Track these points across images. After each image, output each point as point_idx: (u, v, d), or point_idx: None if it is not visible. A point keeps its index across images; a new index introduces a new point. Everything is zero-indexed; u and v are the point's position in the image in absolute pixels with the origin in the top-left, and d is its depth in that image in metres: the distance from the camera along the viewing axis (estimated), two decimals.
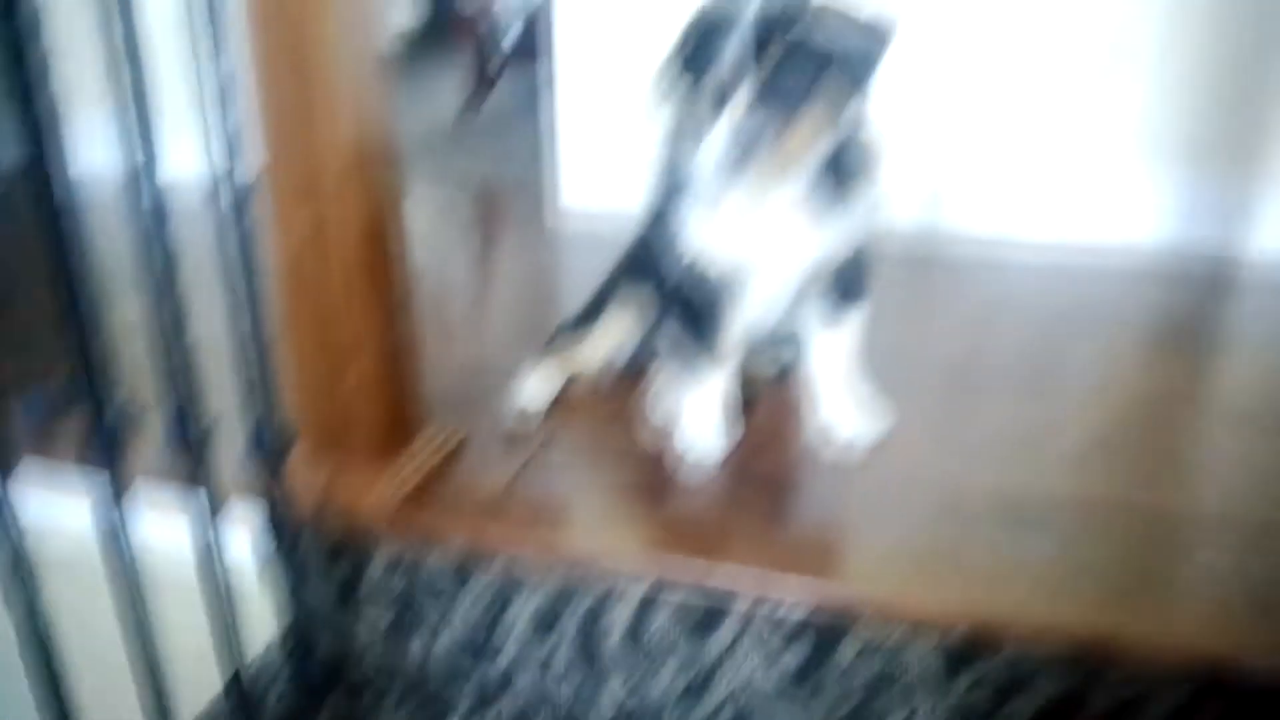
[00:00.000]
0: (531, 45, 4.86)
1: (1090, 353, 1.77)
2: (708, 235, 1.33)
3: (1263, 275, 2.19)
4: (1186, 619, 1.09)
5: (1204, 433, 1.50)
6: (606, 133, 2.62)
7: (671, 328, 1.44)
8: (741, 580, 1.15)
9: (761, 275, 1.37)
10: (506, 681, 1.29)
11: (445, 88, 4.96)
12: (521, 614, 1.25)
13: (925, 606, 1.10)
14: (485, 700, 1.28)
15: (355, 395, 1.23)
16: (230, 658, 1.10)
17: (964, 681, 1.11)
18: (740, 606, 1.16)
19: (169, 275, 0.93)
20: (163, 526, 1.33)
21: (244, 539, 1.31)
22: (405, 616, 1.30)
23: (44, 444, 1.40)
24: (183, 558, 1.10)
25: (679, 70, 1.26)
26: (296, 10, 1.07)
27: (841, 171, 1.30)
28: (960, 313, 2.01)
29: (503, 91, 4.82)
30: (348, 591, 1.31)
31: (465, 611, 1.27)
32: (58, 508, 1.35)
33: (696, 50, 1.23)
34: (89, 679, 0.95)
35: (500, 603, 1.25)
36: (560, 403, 1.54)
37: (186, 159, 1.01)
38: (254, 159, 1.09)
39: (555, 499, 1.30)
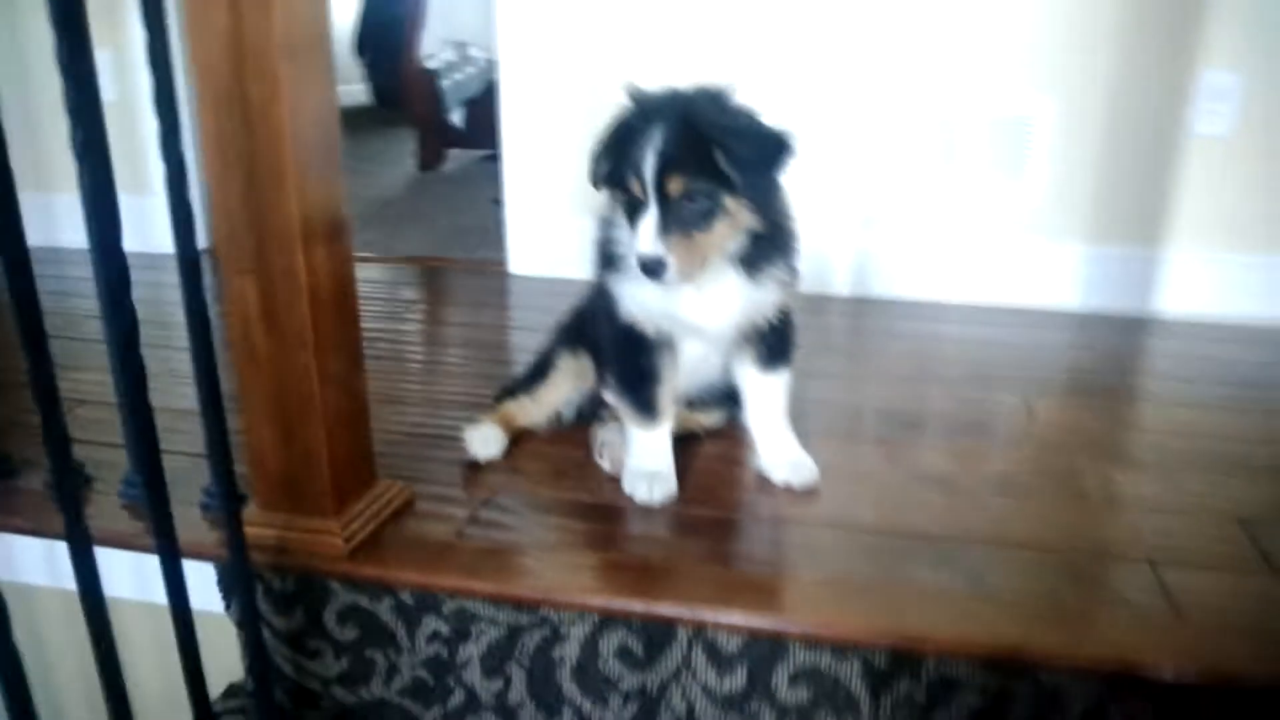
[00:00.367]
0: (475, 127, 5.05)
1: (1008, 403, 1.90)
2: (642, 302, 1.43)
3: (1163, 332, 2.41)
4: (1092, 631, 1.18)
5: (1104, 473, 1.61)
6: (549, 206, 2.76)
7: (614, 384, 1.53)
8: (683, 614, 1.21)
9: (692, 337, 1.47)
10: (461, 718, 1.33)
11: (393, 161, 5.10)
12: (473, 654, 1.30)
13: (851, 631, 1.18)
14: None
15: (306, 455, 1.28)
16: (195, 703, 1.13)
17: (889, 700, 1.19)
18: (682, 638, 1.23)
19: (129, 342, 0.97)
20: (129, 578, 1.37)
21: (207, 589, 1.36)
22: (360, 660, 1.34)
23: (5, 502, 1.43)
24: (149, 607, 1.14)
25: (604, 163, 1.37)
26: (249, 90, 1.14)
27: (759, 252, 1.40)
28: (889, 369, 2.14)
29: (448, 167, 4.96)
30: (304, 637, 1.34)
31: (419, 653, 1.31)
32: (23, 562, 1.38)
33: (614, 152, 1.34)
34: None
35: (452, 644, 1.30)
36: (508, 457, 1.61)
37: (147, 234, 1.08)
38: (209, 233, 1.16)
39: (504, 544, 1.35)
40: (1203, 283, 2.46)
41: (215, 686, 1.24)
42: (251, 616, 1.19)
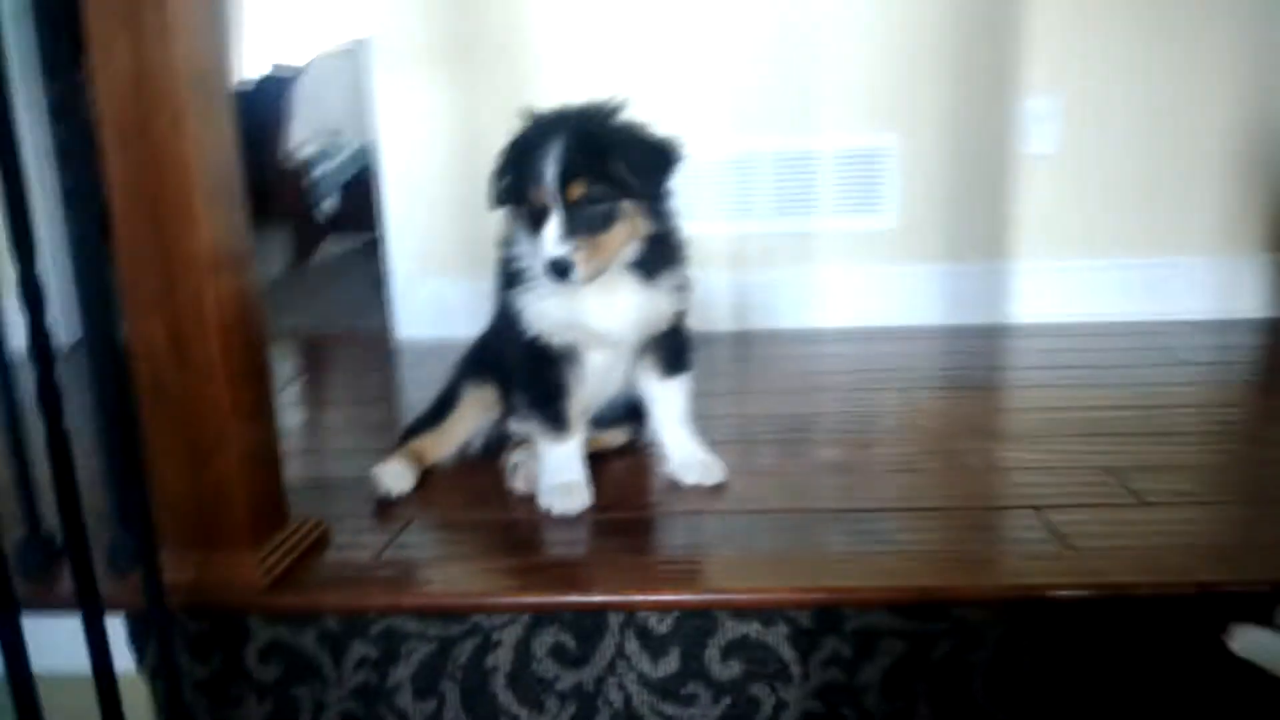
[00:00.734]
0: (349, 213, 5.05)
1: (891, 402, 2.02)
2: (545, 317, 1.49)
3: (1020, 334, 2.62)
4: (995, 568, 1.28)
5: (985, 448, 1.73)
6: (431, 276, 2.83)
7: (524, 400, 1.56)
8: (613, 599, 1.24)
9: (596, 346, 1.53)
10: None
11: (263, 259, 5.02)
12: (404, 676, 1.28)
13: (775, 596, 1.23)
14: None
15: (219, 488, 1.26)
16: None
17: (818, 659, 1.23)
18: (614, 626, 1.25)
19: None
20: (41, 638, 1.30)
21: (119, 640, 1.30)
22: (285, 700, 1.30)
23: None
24: (62, 666, 1.09)
25: (503, 184, 1.44)
26: (152, 122, 1.16)
27: (654, 258, 1.49)
28: (777, 385, 2.24)
29: (323, 256, 4.94)
30: (223, 684, 1.30)
31: (347, 683, 1.29)
32: None
33: (515, 167, 1.42)
34: None
35: (382, 668, 1.28)
36: (419, 491, 1.61)
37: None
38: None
39: (427, 559, 1.36)
40: (1048, 289, 2.68)
41: None
42: (171, 662, 1.15)
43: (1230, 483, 1.54)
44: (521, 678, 1.28)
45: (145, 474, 1.11)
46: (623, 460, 1.72)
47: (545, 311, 1.48)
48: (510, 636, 1.27)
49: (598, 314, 1.48)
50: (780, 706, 1.25)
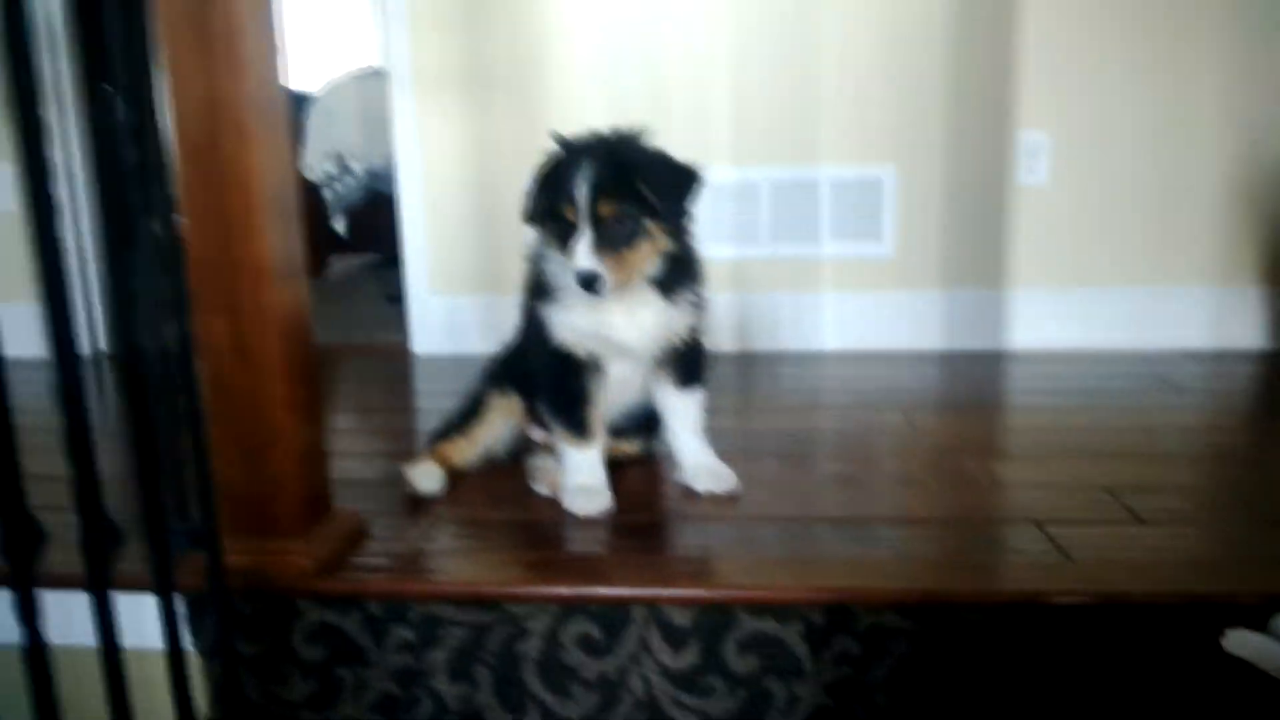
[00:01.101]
0: (357, 234, 5.15)
1: (892, 420, 2.12)
2: (570, 328, 1.58)
3: (1017, 360, 2.73)
4: (998, 575, 1.37)
5: (985, 465, 1.82)
6: (444, 293, 2.97)
7: (549, 407, 1.65)
8: (639, 593, 1.33)
9: (618, 357, 1.62)
10: None
11: None
12: (440, 659, 1.36)
13: (791, 593, 1.32)
14: None
15: (275, 479, 1.35)
16: None
17: (829, 656, 1.32)
18: (638, 619, 1.33)
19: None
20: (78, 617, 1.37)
21: (170, 621, 1.37)
22: (329, 679, 1.38)
23: None
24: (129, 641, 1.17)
25: (539, 198, 1.55)
26: (222, 143, 1.26)
27: (673, 275, 1.59)
28: (781, 403, 2.35)
29: (333, 273, 5.03)
30: (272, 662, 1.38)
31: (387, 664, 1.37)
32: None
33: (547, 186, 1.52)
34: None
35: (420, 651, 1.36)
36: (447, 493, 1.69)
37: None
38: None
39: (457, 554, 1.44)
40: (1043, 316, 2.79)
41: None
42: (228, 641, 1.23)
43: (1223, 503, 1.64)
44: (550, 665, 1.36)
45: (209, 464, 1.20)
46: (638, 468, 1.81)
47: (571, 323, 1.58)
48: (540, 625, 1.35)
49: (620, 327, 1.57)
50: (793, 700, 1.34)
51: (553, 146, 1.55)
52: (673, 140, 1.56)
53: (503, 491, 1.70)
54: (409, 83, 2.84)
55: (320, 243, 5.04)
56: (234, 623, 1.37)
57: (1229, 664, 1.12)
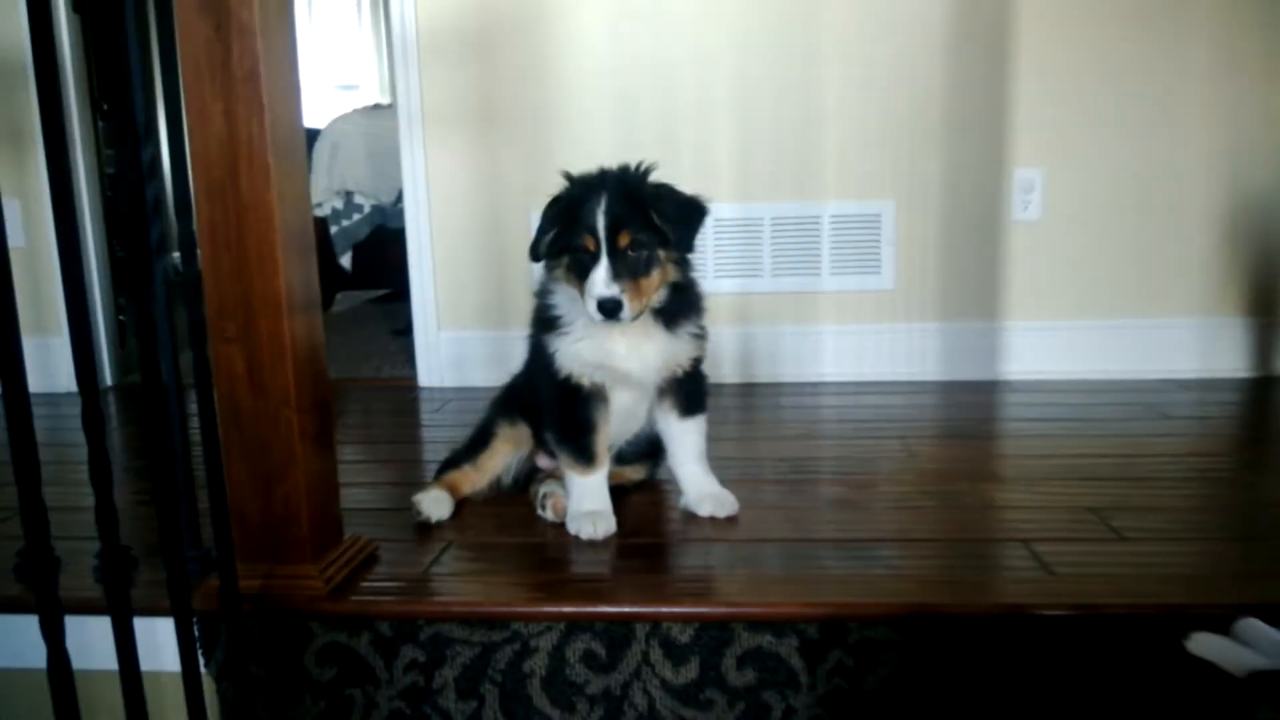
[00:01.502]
0: (363, 270, 5.22)
1: (890, 447, 2.18)
2: (576, 358, 1.64)
3: (1011, 389, 2.79)
4: (986, 589, 1.42)
5: (978, 489, 1.88)
6: (450, 329, 3.03)
7: (555, 435, 1.71)
8: (641, 610, 1.37)
9: (622, 386, 1.68)
10: None
11: None
12: (449, 678, 1.41)
13: (787, 609, 1.36)
14: None
15: (286, 505, 1.40)
16: None
17: (824, 670, 1.36)
18: (640, 636, 1.38)
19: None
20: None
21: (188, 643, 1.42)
22: (339, 699, 1.42)
23: None
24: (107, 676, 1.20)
25: (548, 237, 1.61)
26: (241, 181, 1.33)
27: (676, 307, 1.66)
28: (781, 431, 2.41)
29: (338, 309, 5.11)
30: (283, 683, 1.42)
31: (397, 684, 1.41)
32: None
33: (562, 220, 1.59)
34: None
35: (428, 670, 1.41)
36: (455, 519, 1.75)
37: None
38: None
39: (465, 577, 1.50)
40: (1037, 347, 2.85)
41: None
42: (242, 663, 1.28)
43: (1204, 523, 1.68)
44: (555, 681, 1.40)
45: (225, 494, 1.26)
46: (642, 493, 1.86)
47: (577, 353, 1.64)
48: (546, 643, 1.40)
49: (625, 356, 1.63)
50: (789, 713, 1.38)
51: (561, 184, 1.62)
52: (678, 176, 1.63)
53: (510, 518, 1.76)
54: (418, 119, 2.93)
55: (326, 278, 5.12)
56: (246, 645, 1.41)
57: (1195, 667, 1.17)
